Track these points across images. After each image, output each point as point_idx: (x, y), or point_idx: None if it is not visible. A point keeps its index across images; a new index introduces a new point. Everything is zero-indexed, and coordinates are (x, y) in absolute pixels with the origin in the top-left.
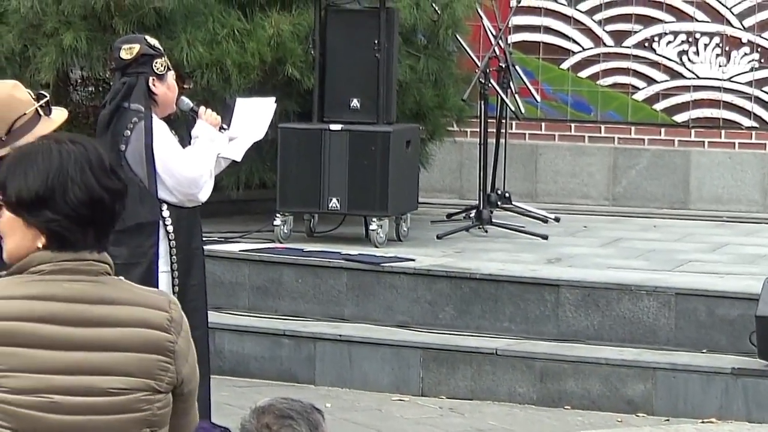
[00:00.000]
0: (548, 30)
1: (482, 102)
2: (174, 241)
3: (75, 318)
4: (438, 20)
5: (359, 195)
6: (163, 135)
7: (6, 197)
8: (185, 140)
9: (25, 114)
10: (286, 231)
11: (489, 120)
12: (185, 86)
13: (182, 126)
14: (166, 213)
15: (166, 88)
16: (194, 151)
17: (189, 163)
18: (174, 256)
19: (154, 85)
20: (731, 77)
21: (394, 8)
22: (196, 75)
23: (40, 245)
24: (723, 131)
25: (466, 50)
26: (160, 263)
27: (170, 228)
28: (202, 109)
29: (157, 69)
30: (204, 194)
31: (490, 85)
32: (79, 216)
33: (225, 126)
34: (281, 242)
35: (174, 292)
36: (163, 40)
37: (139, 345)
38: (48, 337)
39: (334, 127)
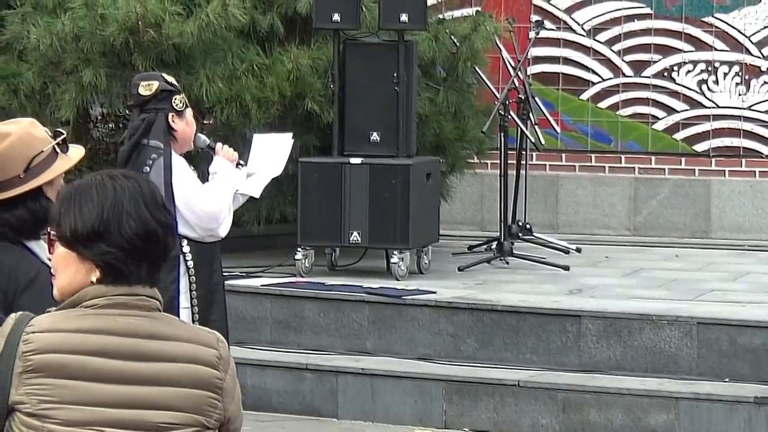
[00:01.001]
0: (567, 61)
1: (502, 134)
2: (194, 277)
3: (127, 352)
4: (457, 52)
5: (380, 228)
6: (182, 171)
7: (60, 232)
8: (204, 176)
9: (42, 152)
10: (307, 265)
11: (509, 152)
12: (205, 122)
13: (201, 162)
14: (186, 248)
15: (185, 125)
16: (213, 186)
17: (209, 199)
18: (194, 292)
19: (173, 121)
20: (751, 106)
21: (413, 41)
22: (216, 110)
23: (93, 280)
24: (743, 160)
25: (485, 82)
26: (180, 299)
27: (190, 263)
28: (219, 145)
29: (177, 105)
30: (224, 229)
31: (509, 116)
32: (134, 249)
33: (242, 162)
34: (303, 276)
35: None
36: (182, 75)
37: (190, 381)
38: (100, 371)
39: (354, 160)
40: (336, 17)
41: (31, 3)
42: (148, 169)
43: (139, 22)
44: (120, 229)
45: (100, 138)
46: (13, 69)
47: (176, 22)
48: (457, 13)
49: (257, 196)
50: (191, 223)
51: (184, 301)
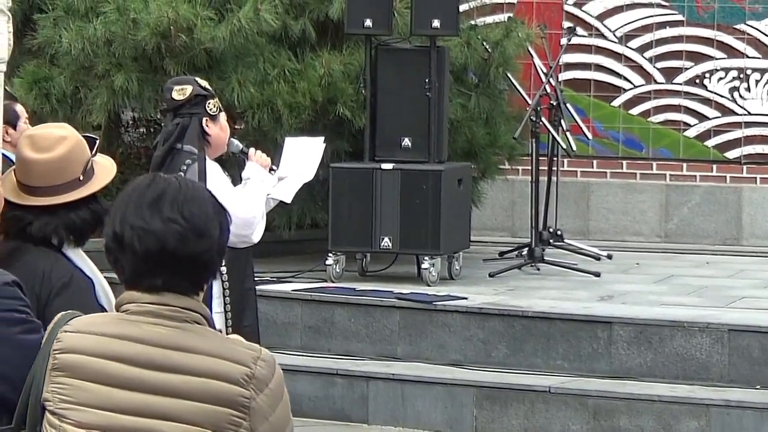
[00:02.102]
0: (599, 67)
1: (533, 140)
2: (227, 282)
3: (147, 361)
4: (489, 59)
5: (411, 234)
6: (216, 176)
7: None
8: (237, 181)
9: (92, 156)
10: (338, 270)
11: (540, 158)
12: (236, 127)
13: (232, 167)
14: None
15: (219, 129)
16: (246, 192)
17: (243, 205)
18: (227, 297)
19: (207, 125)
20: None
21: (445, 47)
22: (247, 115)
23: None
24: None
25: (517, 88)
26: (213, 304)
27: (223, 269)
28: (252, 150)
29: (210, 110)
30: (257, 235)
31: (541, 123)
32: (142, 256)
33: (275, 167)
34: (333, 282)
35: (227, 333)
36: (214, 80)
37: (209, 396)
38: (118, 377)
39: (385, 166)
40: (368, 23)
41: (62, 7)
42: (182, 174)
43: (171, 27)
44: (123, 234)
45: (132, 143)
46: (45, 73)
47: (208, 27)
48: (489, 20)
49: (289, 201)
50: None
51: (217, 306)
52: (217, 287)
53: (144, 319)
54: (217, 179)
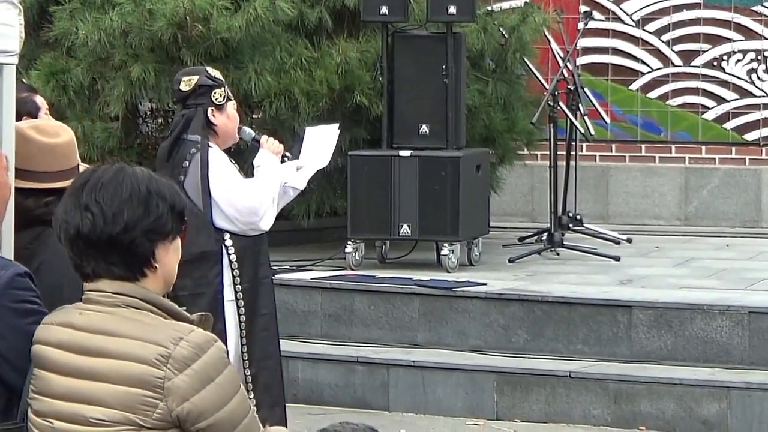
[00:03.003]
0: (616, 51)
1: (552, 125)
2: (237, 270)
3: (77, 346)
4: (506, 44)
5: (430, 220)
6: (221, 165)
7: None
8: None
9: None
10: (357, 258)
11: (559, 143)
12: (254, 116)
13: (251, 156)
14: (228, 242)
15: (226, 118)
16: (255, 180)
17: (248, 193)
18: (238, 285)
19: (213, 115)
20: None
21: (462, 33)
22: (265, 104)
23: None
24: None
25: (534, 73)
26: (225, 292)
27: (233, 257)
28: (264, 138)
29: (216, 99)
30: (266, 223)
31: (559, 107)
32: (72, 243)
33: (288, 155)
34: (353, 269)
35: (240, 322)
36: (230, 70)
37: (123, 378)
38: (57, 363)
39: (403, 153)
40: (384, 10)
41: None
42: (187, 163)
43: (187, 17)
44: (58, 223)
45: (149, 133)
46: (62, 65)
47: (224, 17)
48: (505, 5)
49: (302, 187)
50: (231, 217)
51: (229, 294)
52: (227, 276)
53: (84, 306)
54: (222, 168)
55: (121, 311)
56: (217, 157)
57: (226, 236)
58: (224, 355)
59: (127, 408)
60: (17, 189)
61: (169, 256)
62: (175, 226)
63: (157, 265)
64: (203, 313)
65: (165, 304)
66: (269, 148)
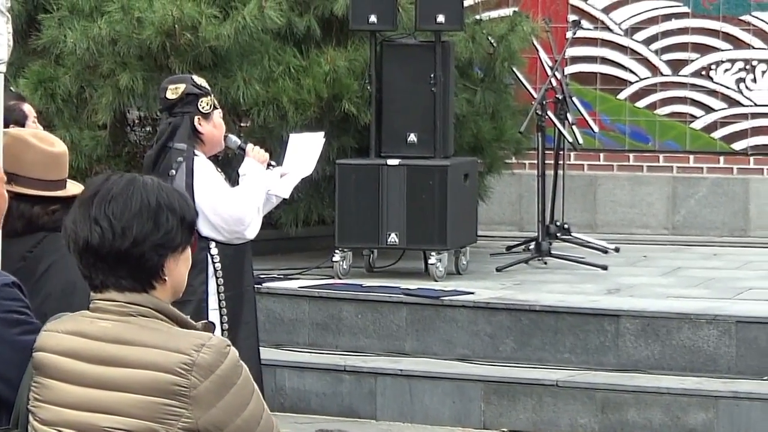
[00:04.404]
0: (605, 60)
1: (540, 134)
2: (222, 279)
3: (91, 355)
4: (494, 53)
5: (418, 229)
6: (207, 174)
7: None
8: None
9: None
10: (345, 267)
11: (547, 152)
12: (242, 124)
13: (239, 164)
14: (214, 251)
15: (212, 127)
16: (241, 188)
17: (234, 201)
18: (222, 294)
19: (199, 124)
20: None
21: (450, 42)
22: (253, 113)
23: None
24: None
25: (522, 82)
26: (209, 301)
27: (218, 266)
28: (249, 146)
29: (203, 108)
30: (251, 232)
31: (547, 116)
32: (82, 255)
33: (273, 163)
34: (341, 278)
35: (223, 330)
36: (219, 78)
37: (144, 387)
38: (68, 372)
39: (391, 162)
40: (372, 18)
41: (67, 7)
42: (174, 172)
43: (176, 26)
44: (67, 234)
45: (138, 141)
46: (50, 73)
47: (213, 25)
48: (493, 14)
49: (286, 196)
50: (216, 225)
51: (213, 302)
52: (212, 284)
53: (94, 315)
54: (206, 177)
55: (134, 320)
56: (203, 166)
57: (212, 245)
58: (238, 357)
59: (150, 418)
60: (16, 195)
61: (179, 267)
62: (184, 238)
63: (166, 278)
64: (206, 321)
65: (174, 312)
66: (255, 156)
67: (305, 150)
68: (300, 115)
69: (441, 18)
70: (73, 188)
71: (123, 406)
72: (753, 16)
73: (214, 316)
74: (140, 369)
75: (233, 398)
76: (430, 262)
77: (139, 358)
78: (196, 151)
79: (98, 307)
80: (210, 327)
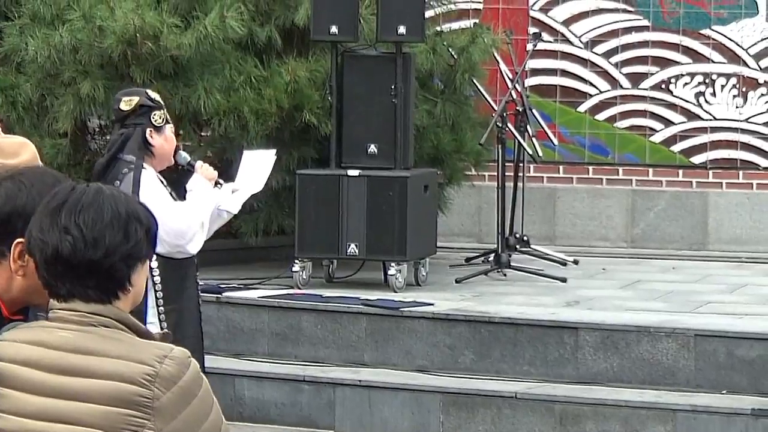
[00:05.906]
0: (565, 73)
1: (500, 146)
2: (161, 292)
3: (51, 365)
4: (454, 65)
5: (377, 240)
6: (152, 186)
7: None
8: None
9: None
10: (304, 277)
11: (507, 164)
12: (203, 134)
13: (187, 180)
14: (153, 264)
15: (164, 140)
16: (186, 203)
17: (178, 215)
18: (161, 308)
19: (151, 136)
20: (748, 118)
21: (411, 53)
22: (214, 122)
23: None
24: (741, 172)
25: (483, 94)
26: (148, 314)
27: (157, 279)
28: (198, 163)
29: (155, 121)
30: (194, 246)
31: (507, 128)
32: (47, 264)
33: (221, 181)
34: (300, 288)
35: None
36: (180, 87)
37: (105, 398)
38: (27, 382)
39: (351, 172)
40: (334, 29)
41: (29, 15)
42: (119, 183)
43: (137, 34)
44: (29, 244)
45: (98, 150)
46: (11, 81)
47: (174, 34)
48: (454, 26)
49: (235, 212)
50: (158, 238)
51: (152, 316)
52: (151, 298)
53: (55, 324)
54: (151, 189)
55: (96, 330)
56: (149, 178)
57: (152, 258)
58: (199, 368)
59: (111, 428)
60: None
61: (141, 278)
62: (148, 249)
63: (131, 288)
64: (164, 331)
65: (135, 323)
66: (203, 173)
67: (257, 167)
68: (261, 125)
69: (402, 29)
70: None
71: (84, 416)
72: (713, 30)
73: (152, 330)
74: (102, 379)
75: (194, 409)
76: (389, 273)
77: (101, 368)
78: (145, 164)
79: (59, 317)
80: (167, 337)
